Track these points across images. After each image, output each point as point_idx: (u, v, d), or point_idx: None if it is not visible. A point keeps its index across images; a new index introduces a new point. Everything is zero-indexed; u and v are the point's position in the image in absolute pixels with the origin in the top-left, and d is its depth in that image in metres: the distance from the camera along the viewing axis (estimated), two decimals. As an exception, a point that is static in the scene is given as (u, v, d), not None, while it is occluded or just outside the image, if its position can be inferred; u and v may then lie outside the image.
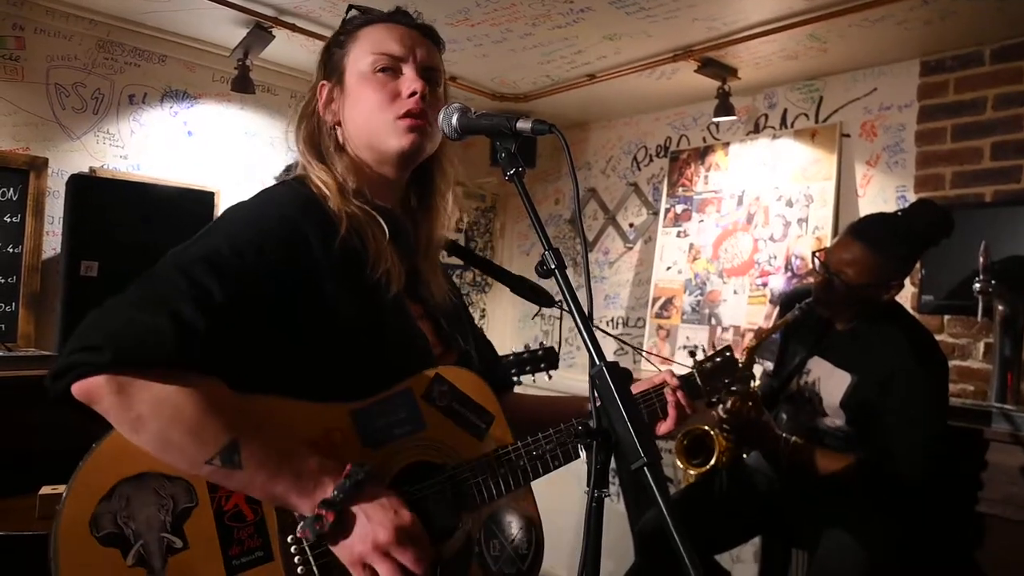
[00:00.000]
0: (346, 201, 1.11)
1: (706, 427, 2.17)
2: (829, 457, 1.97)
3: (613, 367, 0.89)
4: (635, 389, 1.31)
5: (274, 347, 1.02)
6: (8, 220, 2.63)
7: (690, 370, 1.40)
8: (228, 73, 3.03)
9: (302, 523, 0.95)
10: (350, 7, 1.23)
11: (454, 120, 1.12)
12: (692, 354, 1.51)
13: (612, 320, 3.88)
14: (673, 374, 1.36)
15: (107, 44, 2.88)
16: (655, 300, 3.54)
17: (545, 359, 2.25)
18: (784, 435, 2.01)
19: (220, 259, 0.97)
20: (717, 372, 1.41)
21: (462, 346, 1.23)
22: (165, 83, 3.06)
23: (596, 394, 0.88)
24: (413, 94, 1.13)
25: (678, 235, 3.53)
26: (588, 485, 0.87)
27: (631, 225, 3.85)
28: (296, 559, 0.97)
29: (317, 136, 1.18)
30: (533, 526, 1.14)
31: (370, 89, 1.14)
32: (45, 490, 1.96)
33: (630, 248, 3.85)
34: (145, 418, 0.90)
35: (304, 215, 1.07)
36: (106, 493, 0.90)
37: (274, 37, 2.82)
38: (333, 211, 1.09)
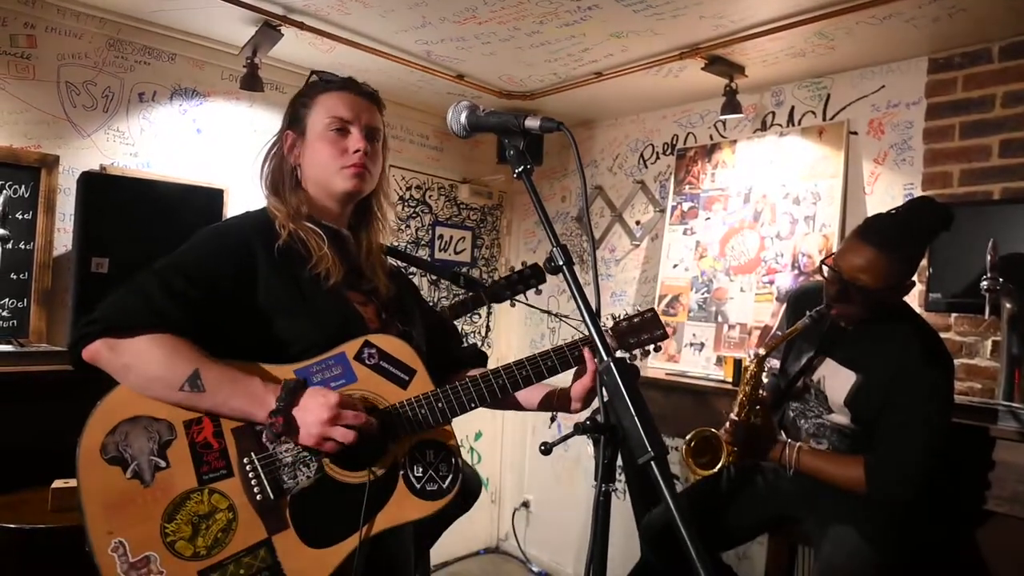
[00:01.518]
0: (293, 222, 1.42)
1: (712, 429, 2.17)
2: (835, 462, 1.97)
3: (621, 363, 0.90)
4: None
5: (231, 326, 1.31)
6: (20, 217, 2.65)
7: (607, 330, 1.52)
8: (237, 71, 3.05)
9: (264, 430, 1.27)
10: (312, 72, 1.53)
11: (463, 118, 1.14)
12: (613, 317, 1.63)
13: (616, 316, 3.88)
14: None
15: (117, 42, 2.90)
16: (662, 298, 3.54)
17: (533, 276, 2.47)
18: (789, 441, 2.01)
19: (185, 264, 1.31)
20: (635, 329, 1.55)
21: (399, 327, 1.47)
22: (174, 81, 3.08)
23: (603, 389, 0.90)
24: (357, 151, 1.44)
25: (685, 233, 3.53)
26: (596, 479, 0.88)
27: (638, 223, 3.85)
28: (250, 475, 1.28)
29: (279, 174, 1.49)
30: (452, 454, 1.39)
31: (325, 144, 1.44)
32: (57, 483, 1.98)
33: (637, 246, 3.85)
34: (130, 364, 1.24)
35: (255, 233, 1.39)
36: (111, 429, 1.24)
37: (283, 35, 2.84)
38: (279, 229, 1.41)
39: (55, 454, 1.86)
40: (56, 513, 1.94)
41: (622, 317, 1.58)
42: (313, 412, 1.24)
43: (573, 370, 1.46)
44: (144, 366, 1.23)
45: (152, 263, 1.32)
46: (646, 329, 1.55)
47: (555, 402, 1.53)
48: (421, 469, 1.35)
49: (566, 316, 3.29)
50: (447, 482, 1.36)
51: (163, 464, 1.24)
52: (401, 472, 1.34)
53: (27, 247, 2.67)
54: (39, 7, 2.69)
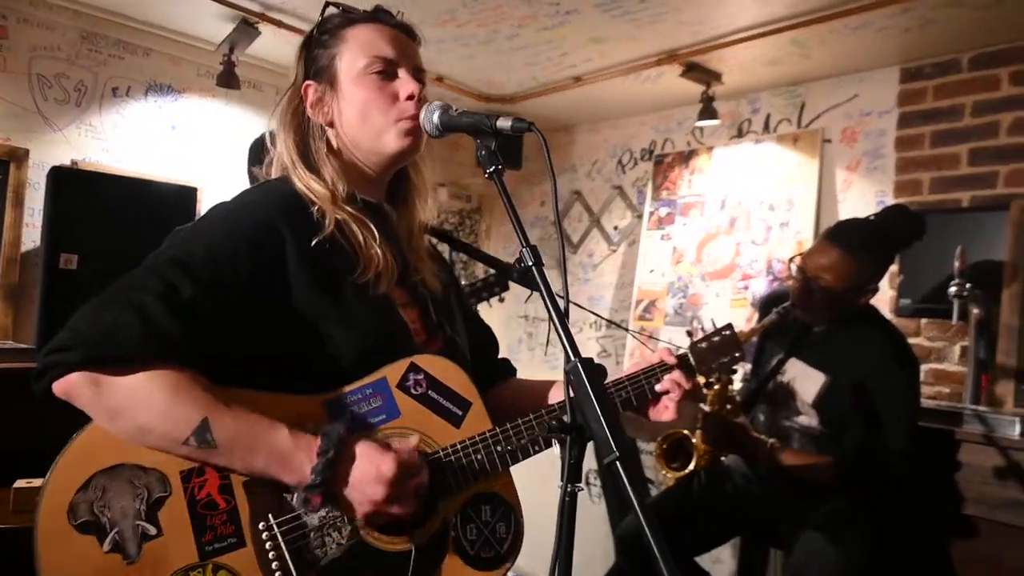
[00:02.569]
0: (337, 208, 1.13)
1: (684, 431, 2.18)
2: (805, 459, 1.99)
3: (588, 363, 0.90)
4: (629, 371, 1.31)
5: (249, 342, 1.05)
6: (-13, 212, 2.61)
7: (684, 351, 1.38)
8: (213, 68, 3.02)
9: (295, 497, 1.00)
10: (327, 4, 1.23)
11: (435, 118, 1.13)
12: (689, 333, 1.50)
13: (596, 322, 3.89)
14: (670, 352, 1.34)
15: (91, 36, 2.86)
16: (638, 302, 3.56)
17: (497, 283, 2.27)
18: (761, 437, 2.04)
19: (193, 260, 1.01)
20: (715, 350, 1.40)
21: (448, 333, 1.24)
22: (150, 77, 3.04)
23: (571, 389, 0.90)
24: (411, 97, 1.16)
25: (662, 238, 3.55)
26: (561, 480, 0.88)
27: (615, 228, 3.87)
28: (267, 544, 1.00)
29: (306, 139, 1.19)
30: (512, 511, 1.15)
31: (368, 91, 1.16)
32: (19, 483, 1.94)
33: (614, 251, 3.87)
34: (119, 409, 0.95)
35: (283, 216, 1.09)
36: (83, 484, 0.94)
37: (260, 33, 2.82)
38: (316, 214, 1.11)
39: (18, 454, 1.82)
40: (18, 514, 1.90)
41: (699, 336, 1.42)
42: (363, 490, 0.99)
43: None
44: (137, 413, 0.95)
45: (152, 254, 1.03)
46: (725, 351, 1.40)
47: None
48: (475, 531, 1.11)
49: (641, 332, 3.22)
50: (505, 547, 1.12)
51: (152, 531, 0.95)
52: (452, 535, 1.10)
53: (-6, 243, 2.62)
54: (10, -2, 2.65)
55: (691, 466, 2.08)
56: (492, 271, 2.28)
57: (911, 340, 2.25)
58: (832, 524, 1.92)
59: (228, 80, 2.91)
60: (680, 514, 2.16)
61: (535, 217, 4.25)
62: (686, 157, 3.52)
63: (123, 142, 2.96)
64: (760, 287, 3.09)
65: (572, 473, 0.89)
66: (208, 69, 3.13)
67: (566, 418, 0.90)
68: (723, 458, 2.22)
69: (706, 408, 2.06)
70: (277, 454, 0.98)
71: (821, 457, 1.97)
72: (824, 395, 2.01)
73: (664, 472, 2.19)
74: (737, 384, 2.25)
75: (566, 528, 0.88)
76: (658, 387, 1.28)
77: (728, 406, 2.09)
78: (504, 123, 1.03)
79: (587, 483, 3.77)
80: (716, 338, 1.42)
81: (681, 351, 1.37)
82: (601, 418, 0.85)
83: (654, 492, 2.85)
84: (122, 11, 2.85)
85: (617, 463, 0.83)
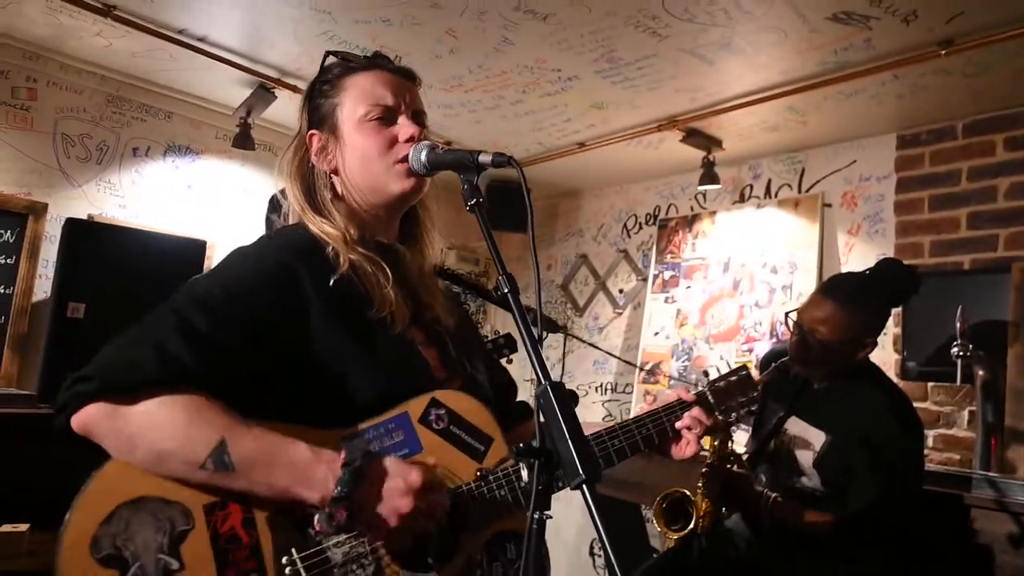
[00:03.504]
0: (350, 249, 1.15)
1: (685, 491, 2.13)
2: (808, 516, 1.93)
3: (558, 387, 0.90)
4: (648, 407, 1.32)
5: (267, 380, 1.04)
6: (3, 262, 2.68)
7: (702, 389, 1.38)
8: (231, 131, 3.15)
9: (318, 517, 0.96)
10: (327, 54, 1.26)
11: (423, 156, 1.17)
12: (706, 373, 1.48)
13: (601, 386, 3.86)
14: (688, 390, 1.35)
15: (116, 99, 3.01)
16: (643, 365, 3.54)
17: (506, 345, 2.40)
18: (765, 491, 1.98)
19: (212, 299, 1.02)
20: (732, 390, 1.39)
21: (467, 370, 1.23)
22: (169, 138, 3.17)
23: (540, 413, 0.89)
24: (410, 140, 1.18)
25: (666, 301, 3.56)
26: (529, 507, 0.86)
27: (620, 291, 3.89)
28: (290, 575, 0.98)
29: (313, 187, 1.21)
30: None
31: (368, 137, 1.18)
32: (4, 528, 1.92)
33: (619, 313, 3.87)
34: (136, 436, 0.95)
35: (300, 257, 1.11)
36: (105, 517, 0.94)
37: (276, 97, 2.94)
38: (331, 255, 1.13)
39: (10, 497, 1.81)
40: None
41: (716, 376, 1.42)
42: (390, 502, 0.97)
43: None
44: (154, 437, 0.94)
45: (174, 297, 1.04)
46: (741, 391, 1.40)
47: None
48: (501, 570, 1.08)
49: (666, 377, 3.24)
50: None
51: (175, 565, 0.94)
52: (478, 573, 1.07)
53: (7, 292, 2.69)
54: (43, 63, 2.80)
55: (691, 525, 2.02)
56: (500, 334, 2.46)
57: (918, 405, 2.21)
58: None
59: (244, 142, 3.03)
60: (679, 577, 2.08)
61: (542, 281, 4.28)
62: (690, 221, 3.56)
63: (139, 199, 3.06)
64: (764, 349, 3.06)
65: (540, 499, 0.87)
66: (226, 132, 3.26)
67: (535, 443, 0.89)
68: (725, 521, 2.16)
69: (708, 461, 2.01)
70: (299, 469, 0.96)
71: (824, 515, 1.90)
72: (825, 454, 1.96)
73: (664, 533, 2.12)
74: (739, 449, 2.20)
75: (534, 554, 0.86)
76: (679, 424, 1.29)
77: (730, 463, 2.04)
78: (485, 158, 1.07)
79: (591, 554, 3.65)
80: (733, 378, 1.41)
81: (699, 390, 1.38)
82: (569, 441, 0.84)
83: (656, 556, 2.75)
84: (147, 76, 3.00)
85: (583, 487, 0.82)
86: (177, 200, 3.18)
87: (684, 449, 1.29)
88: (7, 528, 1.92)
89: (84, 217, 2.87)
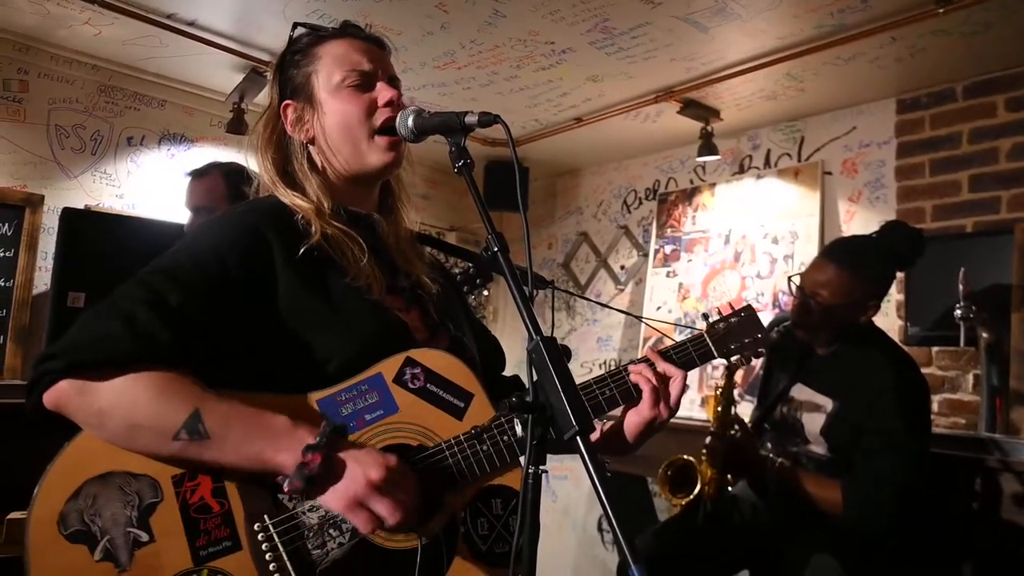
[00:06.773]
0: (324, 222, 1.14)
1: (689, 457, 2.13)
2: (816, 480, 1.92)
3: (550, 342, 0.89)
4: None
5: (240, 347, 1.04)
6: (2, 255, 2.68)
7: (701, 332, 1.32)
8: (225, 117, 3.13)
9: (287, 477, 0.93)
10: (295, 25, 1.25)
11: (410, 122, 1.16)
12: (705, 316, 1.39)
13: (605, 362, 3.86)
14: (654, 351, 1.27)
15: (108, 88, 2.99)
16: (646, 340, 3.53)
17: (479, 275, 2.20)
18: (771, 456, 1.97)
19: (179, 269, 1.02)
20: (735, 332, 1.33)
21: (452, 332, 1.22)
22: (163, 126, 3.15)
23: (533, 369, 0.88)
24: (389, 103, 1.17)
25: (667, 275, 3.54)
26: (523, 461, 0.86)
27: (622, 267, 3.87)
28: (264, 546, 0.97)
29: (287, 159, 1.20)
30: None
31: (347, 103, 1.17)
32: (14, 515, 1.93)
33: (621, 290, 3.86)
34: (107, 411, 0.94)
35: (269, 223, 1.10)
36: (73, 493, 0.94)
37: (268, 80, 2.92)
38: (302, 222, 1.12)
39: (19, 487, 1.82)
40: (10, 544, 1.89)
41: (716, 317, 1.35)
42: (360, 465, 0.95)
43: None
44: (125, 412, 0.93)
45: (142, 269, 1.03)
46: (746, 333, 1.32)
47: (602, 443, 1.24)
48: (487, 525, 1.07)
49: (652, 319, 3.20)
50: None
51: (144, 538, 0.94)
52: (462, 530, 1.06)
53: (7, 284, 2.69)
54: (33, 54, 2.79)
55: (696, 491, 2.02)
56: (470, 264, 2.24)
57: (923, 370, 2.19)
58: (844, 551, 1.84)
59: (237, 126, 3.01)
60: (684, 544, 2.08)
61: (542, 259, 4.27)
62: (689, 194, 3.54)
63: (136, 188, 3.05)
64: (767, 320, 3.05)
65: (535, 454, 0.86)
66: (220, 119, 3.24)
67: (528, 397, 0.88)
68: (730, 487, 2.15)
69: (712, 430, 2.01)
70: (275, 433, 0.95)
71: (831, 481, 1.90)
72: (831, 421, 1.95)
73: (668, 500, 2.12)
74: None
75: (530, 511, 0.85)
76: (632, 379, 1.21)
77: (733, 429, 2.03)
78: (472, 118, 1.06)
79: (600, 529, 3.66)
80: (734, 319, 1.34)
81: (695, 333, 1.32)
82: (561, 393, 0.84)
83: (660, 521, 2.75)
84: (139, 65, 2.98)
85: (577, 437, 0.81)
86: (174, 188, 3.16)
87: (643, 409, 1.18)
88: (17, 515, 1.94)
89: (81, 208, 2.86)
